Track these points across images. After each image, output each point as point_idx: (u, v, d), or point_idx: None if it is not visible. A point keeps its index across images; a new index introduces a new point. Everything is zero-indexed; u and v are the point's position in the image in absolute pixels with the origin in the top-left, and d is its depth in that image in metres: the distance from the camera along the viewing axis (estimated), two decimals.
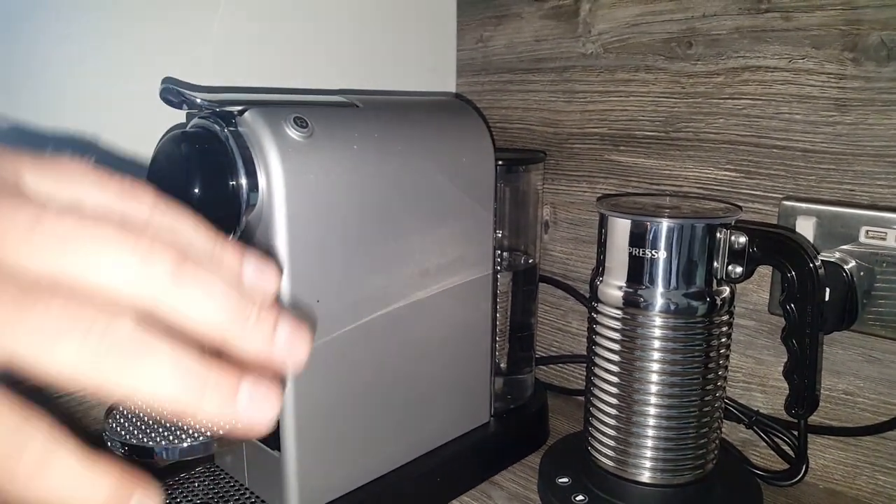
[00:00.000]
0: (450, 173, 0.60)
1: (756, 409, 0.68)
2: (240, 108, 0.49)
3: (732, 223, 0.56)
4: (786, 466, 0.65)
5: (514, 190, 0.73)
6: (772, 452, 0.67)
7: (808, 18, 0.61)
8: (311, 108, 0.52)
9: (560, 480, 0.63)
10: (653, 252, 0.55)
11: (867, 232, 0.59)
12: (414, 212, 0.57)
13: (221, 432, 0.50)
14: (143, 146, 0.55)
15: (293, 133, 0.49)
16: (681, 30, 0.70)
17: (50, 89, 0.59)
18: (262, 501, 0.56)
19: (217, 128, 0.49)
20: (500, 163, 0.66)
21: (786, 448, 0.66)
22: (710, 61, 0.68)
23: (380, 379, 0.57)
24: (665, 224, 0.55)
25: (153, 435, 0.50)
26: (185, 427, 0.51)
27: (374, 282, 0.55)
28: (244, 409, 0.23)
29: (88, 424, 0.62)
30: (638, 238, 0.56)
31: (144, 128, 0.61)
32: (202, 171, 0.47)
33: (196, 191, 0.46)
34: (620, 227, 0.57)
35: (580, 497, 0.60)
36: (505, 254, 0.74)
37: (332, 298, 0.52)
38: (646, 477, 0.58)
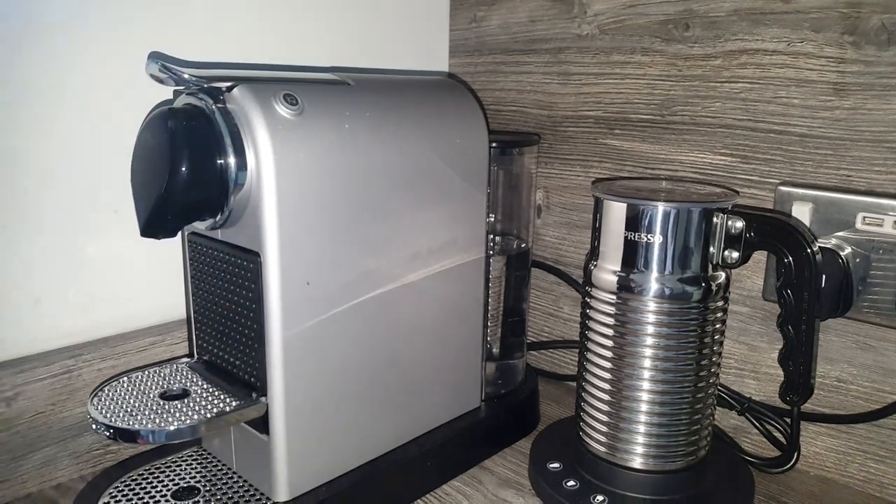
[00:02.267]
0: (443, 154, 0.59)
1: (749, 395, 0.68)
2: (228, 84, 0.48)
3: (729, 208, 0.55)
4: (778, 453, 0.65)
5: (508, 173, 0.72)
6: (763, 439, 0.67)
7: (807, 1, 0.60)
8: (302, 86, 0.50)
9: (551, 466, 0.62)
10: (648, 236, 0.54)
11: (864, 218, 0.58)
12: (406, 193, 0.56)
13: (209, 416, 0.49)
14: (129, 123, 0.53)
15: (283, 110, 0.47)
16: (678, 11, 0.69)
17: (30, 68, 0.57)
18: (251, 485, 0.55)
19: (205, 104, 0.48)
20: (493, 145, 0.65)
21: (778, 435, 0.66)
22: (707, 44, 0.67)
23: (370, 362, 0.56)
24: (661, 208, 0.54)
25: (139, 417, 0.49)
26: (172, 410, 0.50)
27: (365, 264, 0.54)
28: None
29: (73, 406, 0.61)
30: (633, 222, 0.55)
31: (131, 105, 0.59)
32: (189, 149, 0.46)
33: (182, 170, 0.45)
34: (616, 211, 0.56)
35: (571, 482, 0.60)
36: (497, 238, 0.73)
37: (322, 280, 0.51)
38: (637, 463, 0.58)
